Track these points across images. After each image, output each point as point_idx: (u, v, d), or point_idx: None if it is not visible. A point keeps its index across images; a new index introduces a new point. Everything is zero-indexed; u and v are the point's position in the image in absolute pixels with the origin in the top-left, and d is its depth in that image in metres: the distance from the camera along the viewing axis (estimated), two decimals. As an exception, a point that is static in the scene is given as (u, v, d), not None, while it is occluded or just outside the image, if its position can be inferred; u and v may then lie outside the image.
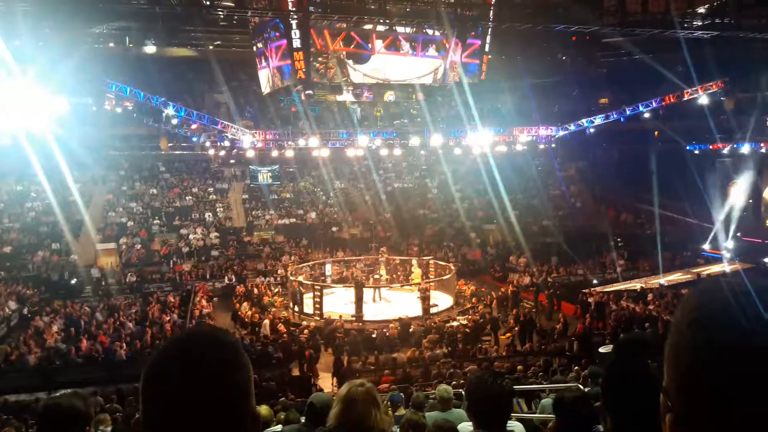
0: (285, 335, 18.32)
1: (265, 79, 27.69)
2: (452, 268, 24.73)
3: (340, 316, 19.92)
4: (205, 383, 1.16)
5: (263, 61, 26.55)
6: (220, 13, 21.80)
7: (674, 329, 0.98)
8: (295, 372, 16.67)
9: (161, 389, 1.17)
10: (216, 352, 1.21)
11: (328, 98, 27.40)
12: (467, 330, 18.71)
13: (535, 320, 19.72)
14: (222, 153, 30.97)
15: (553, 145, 34.24)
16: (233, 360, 1.22)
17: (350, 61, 24.84)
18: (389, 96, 27.37)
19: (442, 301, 22.99)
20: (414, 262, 25.77)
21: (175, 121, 26.52)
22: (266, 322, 18.31)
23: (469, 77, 27.13)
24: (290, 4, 22.53)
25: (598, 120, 31.12)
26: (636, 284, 24.33)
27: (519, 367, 13.53)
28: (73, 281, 25.52)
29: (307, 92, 25.66)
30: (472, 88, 27.37)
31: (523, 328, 18.77)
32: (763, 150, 29.67)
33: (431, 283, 22.97)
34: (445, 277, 24.07)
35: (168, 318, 20.25)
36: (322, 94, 26.53)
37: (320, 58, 24.48)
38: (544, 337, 18.18)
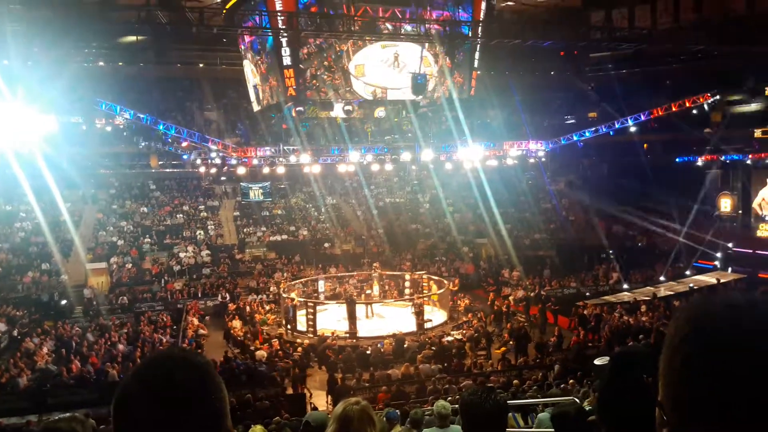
0: (281, 353, 18.19)
1: (255, 95, 27.77)
2: (446, 282, 24.71)
3: (333, 333, 19.83)
4: (177, 405, 1.18)
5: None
6: (211, 31, 21.89)
7: (667, 344, 1.00)
8: (290, 390, 16.57)
9: (134, 413, 1.19)
10: (187, 374, 1.22)
11: (319, 114, 27.50)
12: (462, 342, 18.69)
13: (530, 334, 19.71)
14: (213, 170, 30.94)
15: (543, 159, 34.43)
16: (205, 381, 1.24)
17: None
18: (380, 112, 27.47)
19: (436, 316, 22.94)
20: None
21: (165, 139, 26.47)
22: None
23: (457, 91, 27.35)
24: (280, 22, 22.66)
25: (588, 134, 31.37)
26: (629, 296, 24.41)
27: (515, 382, 13.50)
28: (64, 302, 25.26)
29: (298, 109, 25.73)
30: (462, 104, 27.55)
31: (517, 342, 18.75)
32: (750, 161, 29.98)
33: (425, 298, 22.92)
34: (438, 291, 24.04)
35: (160, 337, 20.08)
36: (313, 112, 26.63)
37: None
38: (539, 350, 18.16)
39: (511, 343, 19.11)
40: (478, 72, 27.93)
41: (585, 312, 21.63)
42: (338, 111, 26.15)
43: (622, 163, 34.37)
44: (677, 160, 33.14)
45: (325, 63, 24.64)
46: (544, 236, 34.56)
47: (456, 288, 25.33)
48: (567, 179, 39.42)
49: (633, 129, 29.75)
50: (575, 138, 31.91)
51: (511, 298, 25.82)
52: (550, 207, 38.05)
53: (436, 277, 26.24)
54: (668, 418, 0.98)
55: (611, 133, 30.74)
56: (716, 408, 0.90)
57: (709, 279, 26.10)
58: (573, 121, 37.79)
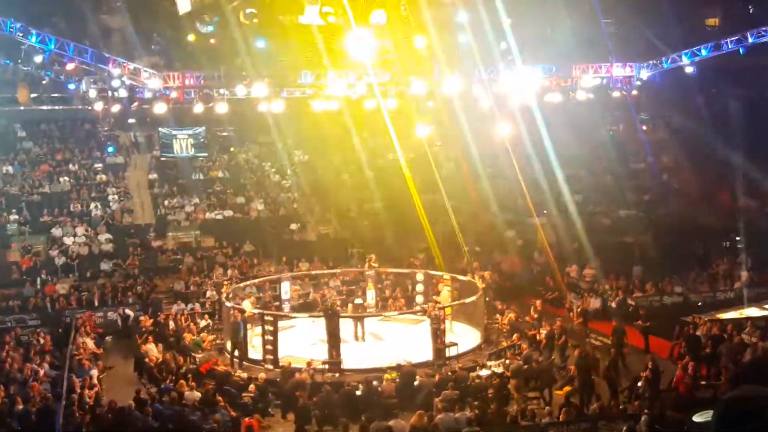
0: (220, 398, 18.26)
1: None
2: (479, 284, 24.73)
3: (309, 363, 19.91)
4: None
5: None
6: None
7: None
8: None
9: None
10: None
11: (281, 20, 27.32)
12: (505, 379, 18.77)
13: (614, 366, 19.77)
14: (116, 108, 30.78)
15: (635, 92, 34.21)
16: None
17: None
18: (378, 16, 27.22)
19: (464, 337, 23.01)
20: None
21: (40, 59, 26.27)
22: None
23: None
24: None
25: (704, 52, 31.11)
26: (766, 308, 24.44)
27: (585, 440, 13.59)
28: None
29: (248, 10, 25.53)
30: (508, 4, 27.34)
31: (587, 378, 18.80)
32: None
33: (443, 309, 22.95)
34: (467, 300, 24.08)
35: (35, 368, 20.13)
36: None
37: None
38: (628, 392, 18.27)
39: (579, 380, 19.17)
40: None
41: (697, 332, 21.65)
42: (311, 17, 25.95)
43: (759, 99, 34.12)
44: None
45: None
46: (633, 213, 34.48)
47: (484, 285, 25.32)
48: (671, 125, 39.22)
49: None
50: (685, 59, 31.65)
51: (577, 308, 25.85)
52: (645, 168, 37.88)
53: (464, 278, 26.23)
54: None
55: (741, 50, 30.48)
56: None
57: None
58: (682, 32, 37.46)
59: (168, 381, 19.79)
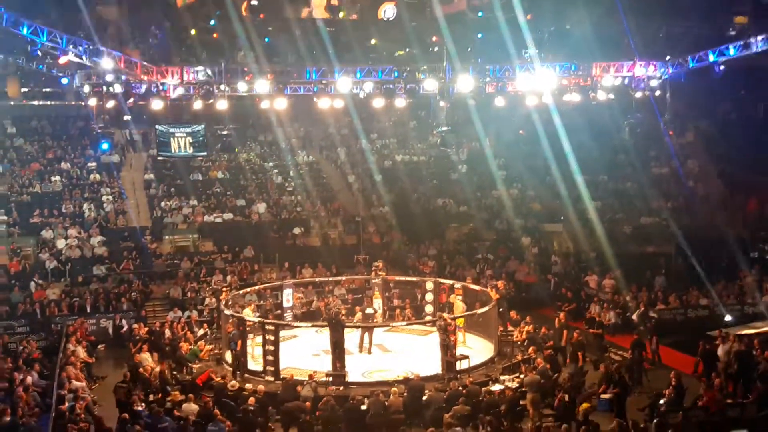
0: (216, 411, 18.20)
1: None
2: (493, 294, 24.66)
3: (311, 375, 19.89)
4: None
5: None
6: None
7: None
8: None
9: None
10: None
11: (285, 13, 27.36)
12: (519, 393, 18.72)
13: (637, 380, 19.71)
14: (110, 104, 30.78)
15: (658, 93, 34.13)
16: None
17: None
18: (387, 10, 27.27)
19: (477, 349, 22.96)
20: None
21: (35, 52, 26.29)
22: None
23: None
24: None
25: (732, 51, 31.04)
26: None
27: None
28: None
29: (252, 3, 25.60)
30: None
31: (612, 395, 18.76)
32: None
33: (454, 320, 22.88)
34: (480, 311, 24.03)
35: (23, 377, 20.10)
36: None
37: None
38: (649, 408, 18.17)
39: (601, 395, 19.10)
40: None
41: (722, 347, 21.56)
42: (318, 9, 25.98)
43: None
44: None
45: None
46: (656, 221, 34.40)
47: (498, 295, 25.25)
48: (697, 127, 39.11)
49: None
50: (711, 58, 31.58)
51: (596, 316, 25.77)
52: (669, 173, 37.77)
53: (476, 287, 26.19)
54: None
55: (772, 51, 30.42)
56: None
57: None
58: (708, 30, 37.35)
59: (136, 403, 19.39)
